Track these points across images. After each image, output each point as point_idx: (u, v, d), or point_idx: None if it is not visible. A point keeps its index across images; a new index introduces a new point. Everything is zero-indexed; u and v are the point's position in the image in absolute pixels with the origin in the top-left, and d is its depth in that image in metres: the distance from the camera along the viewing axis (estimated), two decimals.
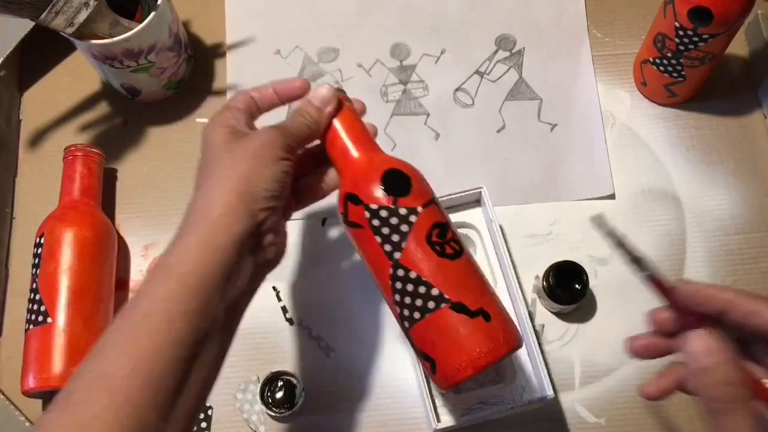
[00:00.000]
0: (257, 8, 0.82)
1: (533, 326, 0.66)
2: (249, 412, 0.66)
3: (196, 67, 0.79)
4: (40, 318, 0.64)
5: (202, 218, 0.46)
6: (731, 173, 0.74)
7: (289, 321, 0.70)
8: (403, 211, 0.52)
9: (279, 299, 0.70)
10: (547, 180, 0.74)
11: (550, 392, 0.61)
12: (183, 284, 0.43)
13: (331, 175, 0.57)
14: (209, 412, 0.66)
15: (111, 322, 0.43)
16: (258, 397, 0.64)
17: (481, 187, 0.68)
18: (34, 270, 0.66)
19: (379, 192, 0.52)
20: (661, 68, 0.72)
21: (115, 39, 0.66)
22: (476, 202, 0.71)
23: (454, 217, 0.69)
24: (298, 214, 0.63)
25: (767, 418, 0.34)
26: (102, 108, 0.78)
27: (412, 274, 0.52)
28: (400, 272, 0.52)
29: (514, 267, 0.69)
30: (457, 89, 0.78)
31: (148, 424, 0.39)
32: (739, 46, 0.78)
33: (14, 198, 0.75)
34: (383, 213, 0.52)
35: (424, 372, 0.63)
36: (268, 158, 0.48)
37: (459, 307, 0.51)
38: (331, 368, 0.68)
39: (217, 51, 0.80)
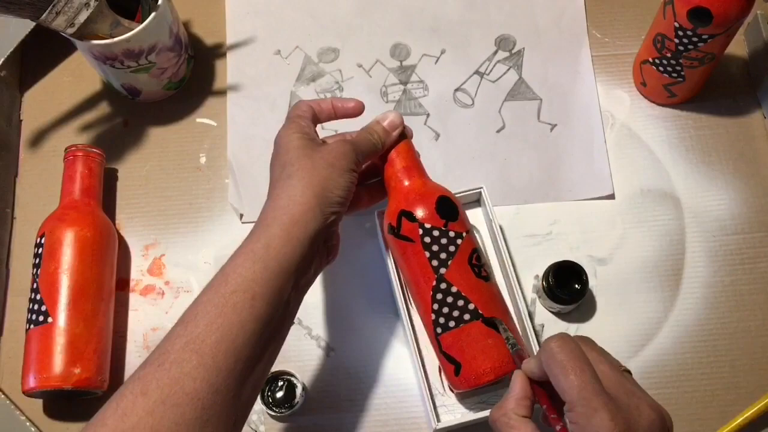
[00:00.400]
0: (257, 8, 0.82)
1: (533, 326, 0.66)
2: None
3: (197, 67, 0.80)
4: (41, 318, 0.64)
5: (285, 213, 0.52)
6: (731, 173, 0.75)
7: None
8: (452, 233, 0.60)
9: None
10: (546, 180, 0.74)
11: None
12: (267, 269, 0.49)
13: (377, 190, 0.64)
14: None
15: (201, 292, 0.49)
16: (258, 397, 0.64)
17: (481, 187, 0.69)
18: (35, 270, 0.66)
19: (433, 214, 0.60)
20: (661, 68, 0.72)
21: (115, 39, 0.66)
22: (476, 202, 0.71)
23: None
24: None
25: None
26: (102, 108, 0.78)
27: (453, 289, 0.59)
28: (443, 285, 0.60)
29: (514, 267, 0.69)
30: (457, 89, 0.78)
31: (228, 386, 0.46)
32: (738, 47, 0.79)
33: (15, 198, 0.75)
34: (435, 232, 0.60)
35: (424, 371, 0.64)
36: (342, 168, 0.55)
37: (489, 322, 0.59)
38: (331, 368, 0.68)
39: (217, 51, 0.80)
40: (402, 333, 0.68)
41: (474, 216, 0.71)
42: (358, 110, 0.62)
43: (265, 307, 0.48)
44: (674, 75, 0.72)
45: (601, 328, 0.69)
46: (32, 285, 0.66)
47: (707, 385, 0.67)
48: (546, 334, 0.69)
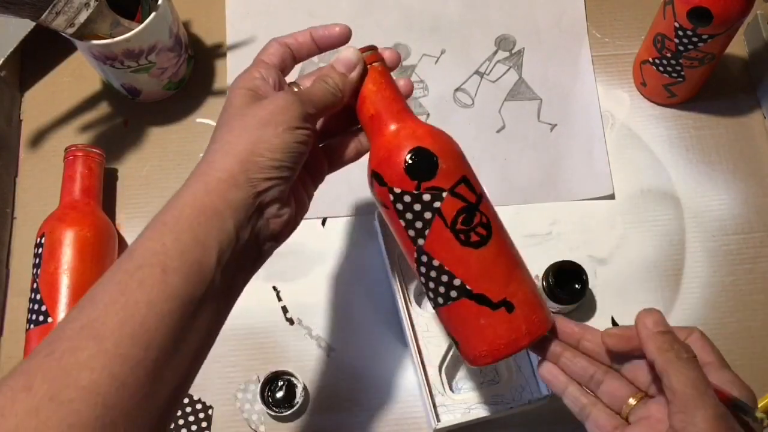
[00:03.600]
0: (257, 8, 0.82)
1: None
2: (249, 412, 0.66)
3: (197, 67, 0.80)
4: (41, 318, 0.64)
5: (200, 181, 0.44)
6: (731, 173, 0.75)
7: (289, 321, 0.70)
8: (426, 196, 0.49)
9: (279, 299, 0.70)
10: (546, 180, 0.74)
11: (550, 391, 0.61)
12: (178, 241, 0.41)
13: (363, 137, 0.54)
14: (210, 411, 0.66)
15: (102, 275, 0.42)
16: (258, 397, 0.64)
17: None
18: (35, 270, 0.66)
19: (402, 175, 0.49)
20: (661, 68, 0.72)
21: (115, 39, 0.66)
22: None
23: None
24: None
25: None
26: (102, 108, 0.78)
27: (435, 262, 0.50)
28: (424, 258, 0.50)
29: None
30: (457, 89, 0.78)
31: (138, 380, 0.37)
32: (738, 47, 0.79)
33: (15, 198, 0.75)
34: (406, 198, 0.49)
35: (424, 371, 0.64)
36: (279, 126, 0.45)
37: (480, 299, 0.49)
38: (332, 368, 0.68)
39: (217, 51, 0.80)
40: (402, 333, 0.68)
41: None
42: (344, 37, 0.52)
43: (181, 283, 0.40)
44: (674, 75, 0.72)
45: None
46: (32, 285, 0.66)
47: None
48: None
